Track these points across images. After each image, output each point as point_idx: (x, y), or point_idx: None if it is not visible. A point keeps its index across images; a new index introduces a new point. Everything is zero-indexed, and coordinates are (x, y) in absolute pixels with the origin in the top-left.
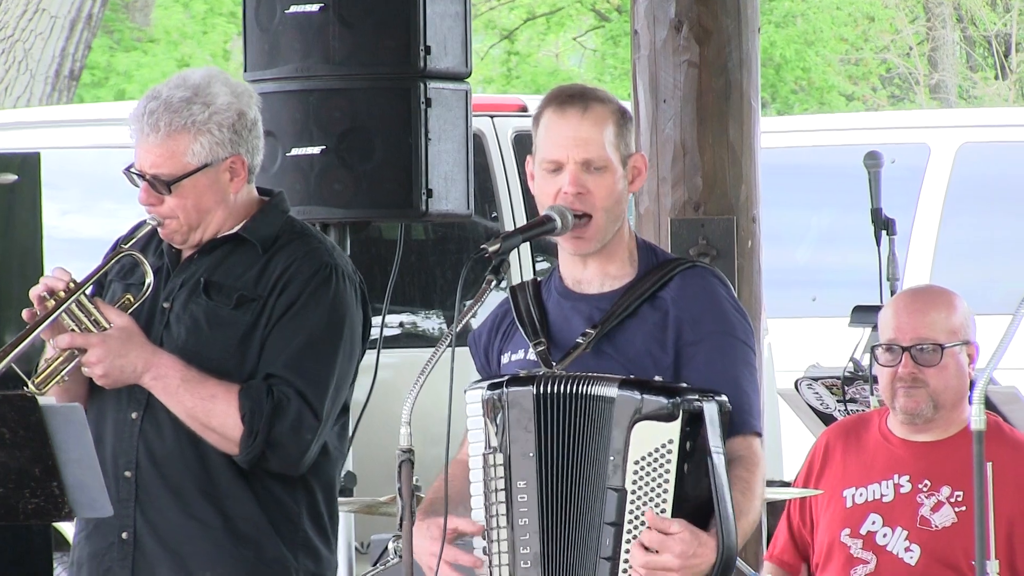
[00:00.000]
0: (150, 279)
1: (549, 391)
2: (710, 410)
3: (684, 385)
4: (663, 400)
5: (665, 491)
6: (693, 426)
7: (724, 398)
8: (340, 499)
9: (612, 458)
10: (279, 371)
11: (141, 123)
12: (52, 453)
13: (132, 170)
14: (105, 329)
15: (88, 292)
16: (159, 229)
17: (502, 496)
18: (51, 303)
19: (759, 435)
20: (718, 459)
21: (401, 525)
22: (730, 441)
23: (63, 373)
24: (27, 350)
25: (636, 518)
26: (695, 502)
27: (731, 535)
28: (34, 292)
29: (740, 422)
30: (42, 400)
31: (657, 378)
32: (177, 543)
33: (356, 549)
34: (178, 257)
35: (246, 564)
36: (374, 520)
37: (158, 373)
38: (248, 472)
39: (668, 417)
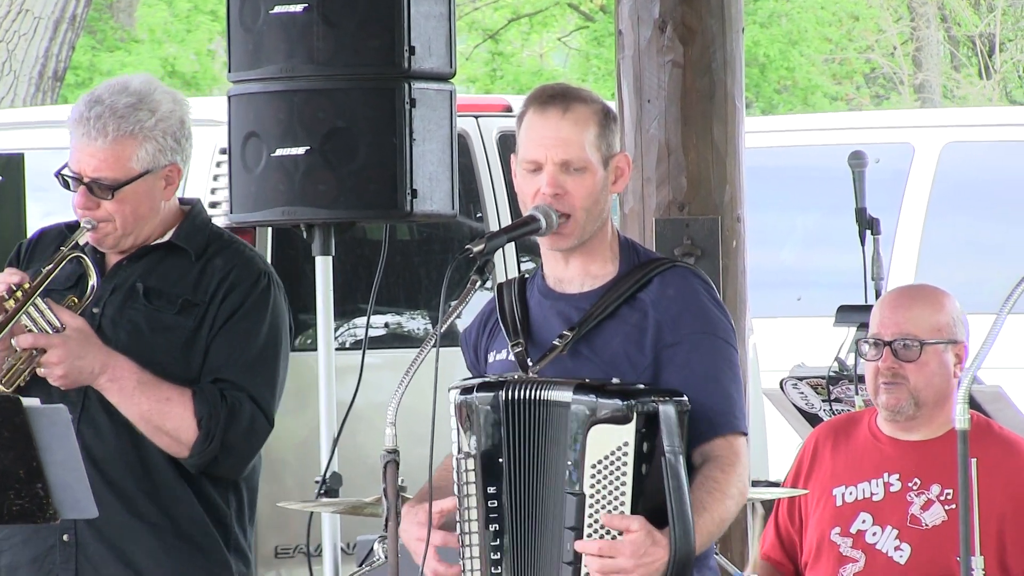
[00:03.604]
0: (94, 281)
1: (515, 396)
2: (666, 411)
3: (641, 387)
4: (618, 403)
5: (623, 493)
6: (649, 428)
7: (684, 398)
8: (326, 499)
9: (569, 463)
10: (230, 376)
11: (86, 127)
12: (36, 455)
13: (66, 173)
14: (59, 330)
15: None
16: (89, 234)
17: (474, 501)
18: (10, 303)
19: (743, 434)
20: (673, 459)
21: (387, 526)
22: (711, 442)
23: (26, 373)
24: None
25: (596, 522)
26: (655, 503)
27: (687, 535)
28: None
29: (722, 423)
30: (26, 401)
31: (614, 380)
32: (123, 542)
33: (342, 550)
34: (101, 262)
35: (194, 563)
36: (360, 521)
37: (114, 375)
38: (187, 474)
39: (623, 420)
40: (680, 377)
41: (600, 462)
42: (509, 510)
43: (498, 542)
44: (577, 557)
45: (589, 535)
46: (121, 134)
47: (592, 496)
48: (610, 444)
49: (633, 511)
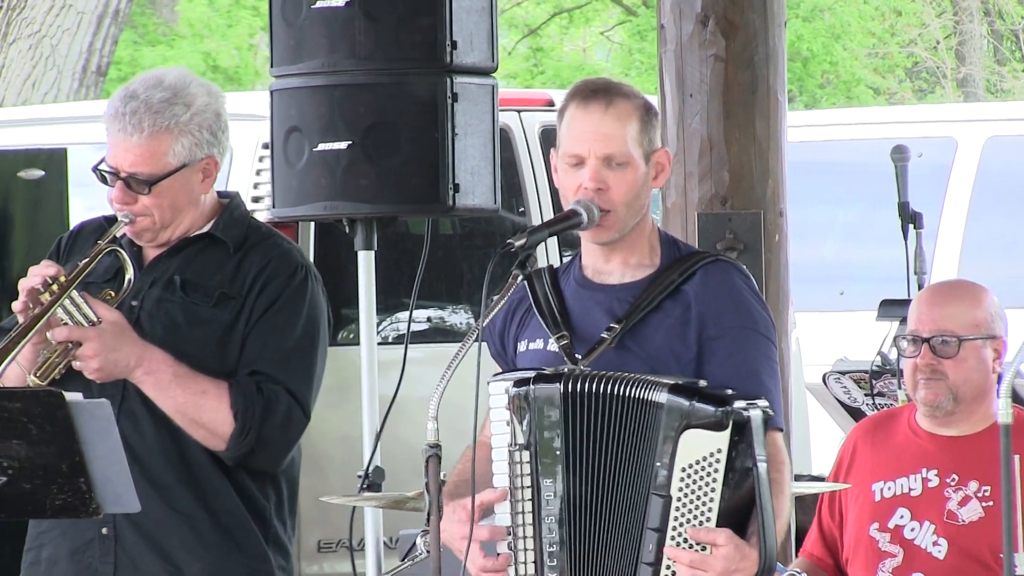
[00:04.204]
0: (131, 274)
1: (578, 389)
2: (756, 418)
3: (730, 392)
4: (712, 408)
5: (711, 499)
6: (740, 435)
7: (765, 403)
8: (369, 494)
9: (659, 463)
10: (266, 368)
11: (122, 122)
12: (79, 449)
13: (103, 168)
14: (95, 323)
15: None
16: (127, 227)
17: (528, 493)
18: (46, 296)
19: (781, 430)
20: (762, 467)
21: (429, 520)
22: None
23: (61, 366)
24: None
25: (680, 525)
26: (738, 509)
27: (772, 545)
28: (26, 284)
29: None
30: (69, 396)
31: (702, 383)
32: (161, 536)
33: (384, 544)
34: (139, 256)
35: (232, 557)
36: (402, 515)
37: (150, 368)
38: (225, 467)
39: (717, 426)
40: (721, 371)
41: (691, 466)
42: (569, 504)
43: (554, 535)
44: (658, 558)
45: (672, 537)
46: (157, 129)
47: (679, 500)
48: (703, 450)
49: (719, 517)
